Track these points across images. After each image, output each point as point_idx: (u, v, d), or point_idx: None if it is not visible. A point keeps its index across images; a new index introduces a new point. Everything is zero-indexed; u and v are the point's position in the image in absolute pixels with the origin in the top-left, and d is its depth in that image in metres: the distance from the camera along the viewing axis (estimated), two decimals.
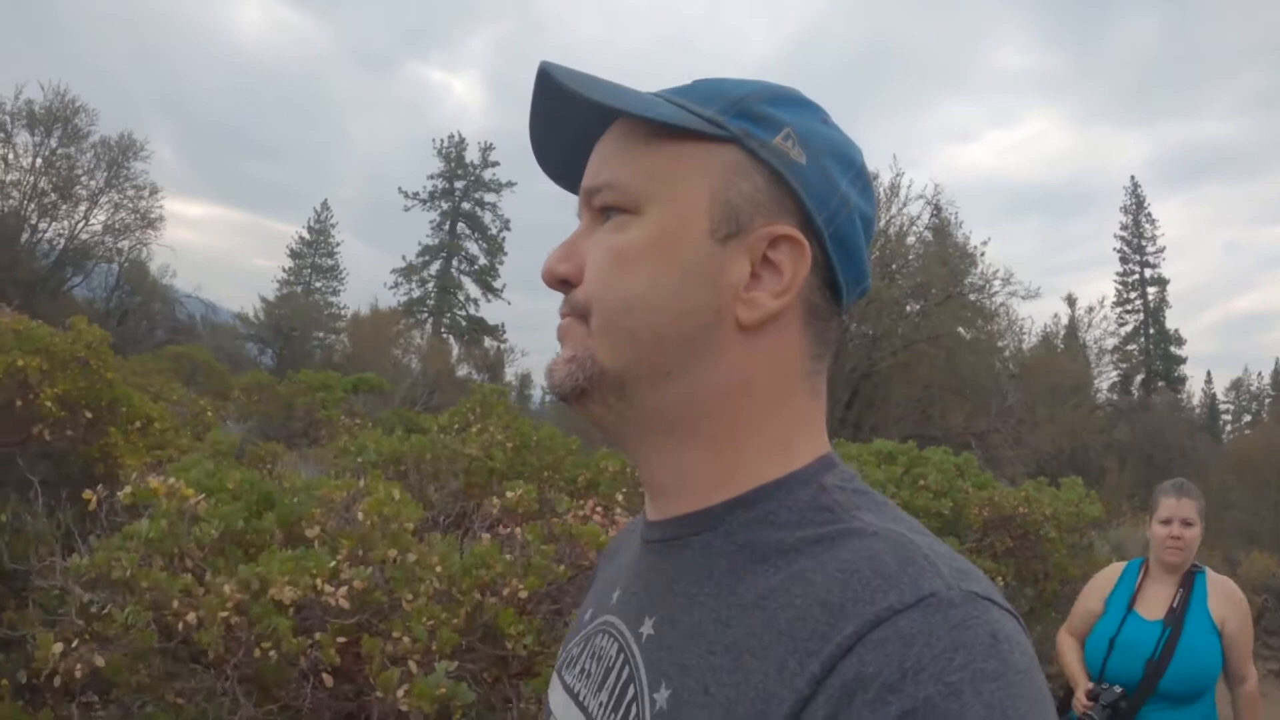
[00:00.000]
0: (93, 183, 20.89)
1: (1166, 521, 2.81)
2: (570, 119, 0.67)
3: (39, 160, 20.45)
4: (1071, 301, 32.47)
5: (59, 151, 20.41)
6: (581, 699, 0.68)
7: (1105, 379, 38.71)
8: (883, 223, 14.82)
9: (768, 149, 0.62)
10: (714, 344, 0.62)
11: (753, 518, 0.61)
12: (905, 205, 15.89)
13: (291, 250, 41.89)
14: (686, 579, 0.62)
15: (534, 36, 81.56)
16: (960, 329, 14.14)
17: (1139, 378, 45.27)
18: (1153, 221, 47.46)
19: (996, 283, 16.05)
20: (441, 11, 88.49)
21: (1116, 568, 3.05)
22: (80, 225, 20.74)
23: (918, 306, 12.82)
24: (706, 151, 0.63)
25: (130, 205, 21.10)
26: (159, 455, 4.49)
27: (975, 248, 36.22)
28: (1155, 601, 2.81)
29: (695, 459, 0.64)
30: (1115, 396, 34.69)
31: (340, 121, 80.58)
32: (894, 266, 13.08)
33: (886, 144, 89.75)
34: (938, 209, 18.27)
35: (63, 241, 20.47)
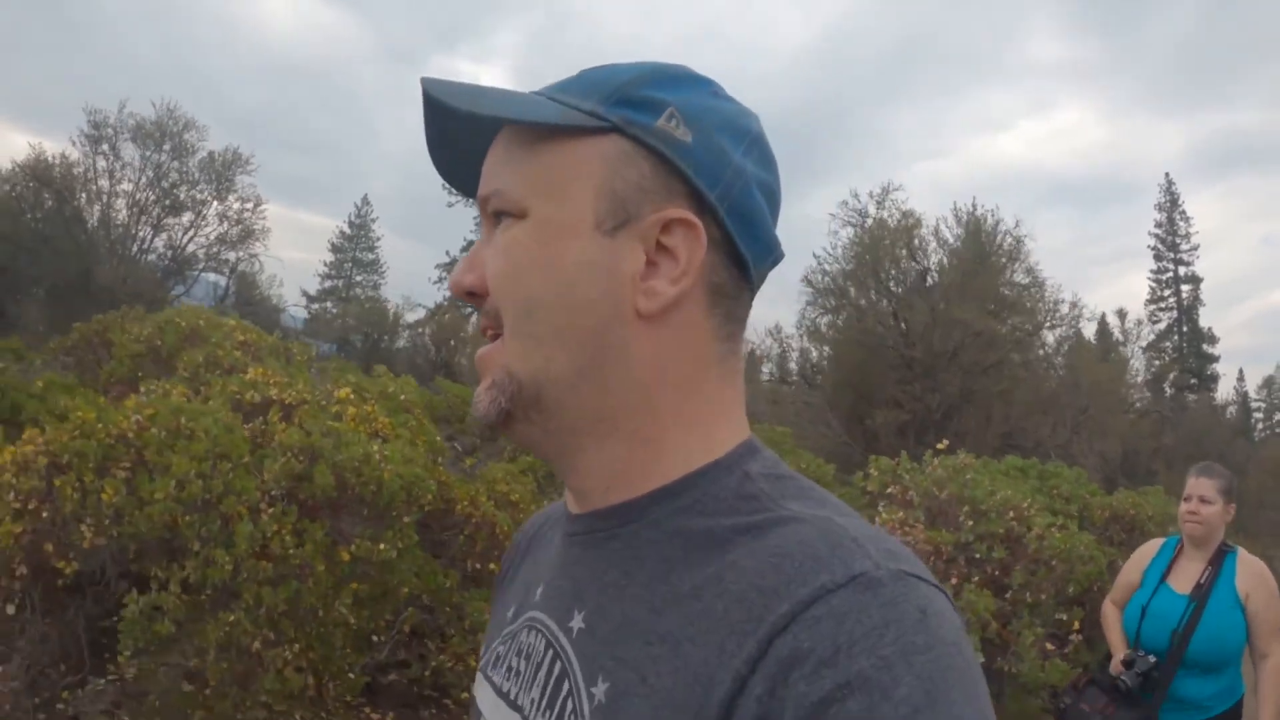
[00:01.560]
0: (198, 195, 22.75)
1: (1187, 498, 3.15)
2: (463, 132, 0.69)
3: (147, 174, 22.35)
4: (1122, 315, 34.59)
5: (167, 165, 22.28)
6: (512, 697, 0.69)
7: (1139, 375, 40.89)
8: (975, 256, 16.51)
9: (650, 133, 0.63)
10: (619, 337, 0.63)
11: (679, 507, 0.63)
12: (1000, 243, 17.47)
13: (332, 245, 43.91)
14: (615, 571, 0.64)
15: (563, 28, 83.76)
16: (1025, 339, 16.19)
17: (1171, 375, 47.23)
18: (1187, 219, 49.19)
19: (1061, 306, 18.04)
20: (469, 4, 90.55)
21: (1155, 544, 3.37)
22: (188, 237, 22.72)
23: (1006, 329, 14.94)
24: (588, 146, 0.64)
25: (234, 217, 23.00)
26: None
27: (1024, 245, 38.13)
28: (1185, 576, 3.12)
29: (620, 455, 0.65)
30: (1149, 394, 36.66)
31: (369, 115, 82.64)
32: (992, 307, 14.98)
33: (917, 134, 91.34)
34: (1018, 243, 19.63)
35: (170, 253, 22.38)
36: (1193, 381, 47.12)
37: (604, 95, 0.64)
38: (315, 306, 37.15)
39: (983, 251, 16.84)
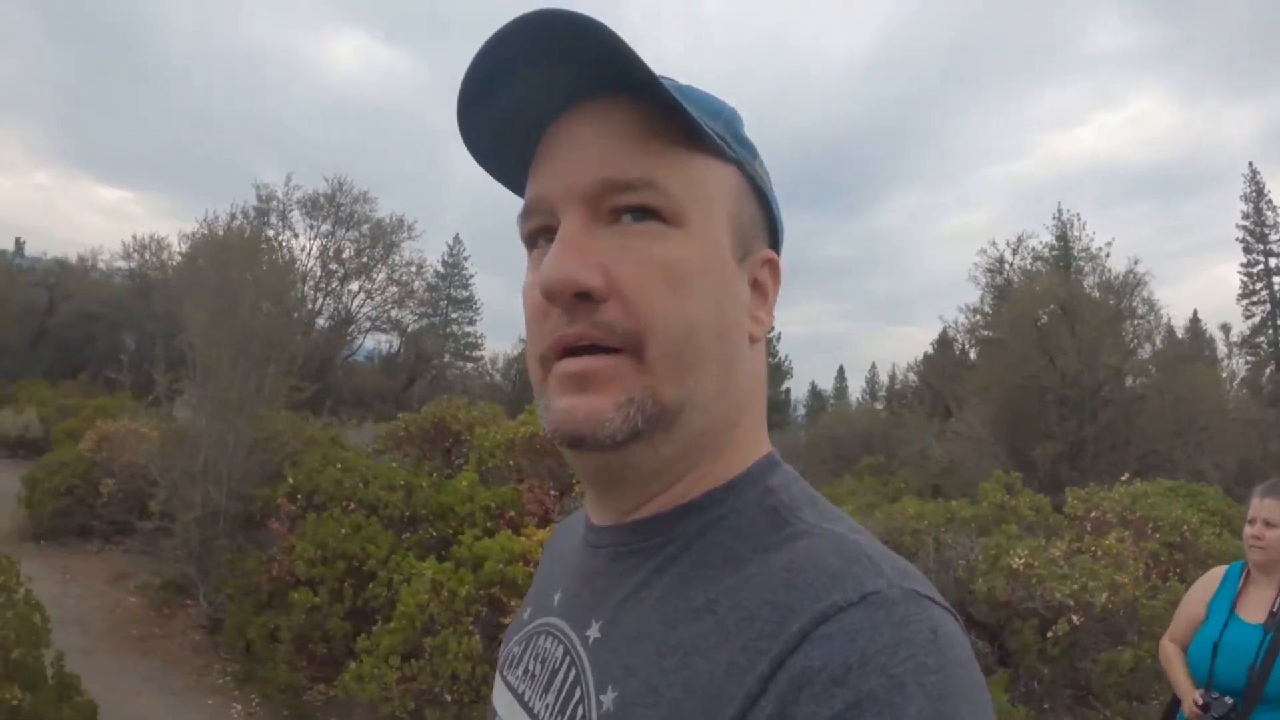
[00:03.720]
0: (366, 260, 26.16)
1: (1251, 521, 3.00)
2: (534, 87, 0.66)
3: (317, 242, 25.90)
4: (1226, 330, 37.24)
5: (337, 234, 25.77)
6: (527, 700, 0.72)
7: (1238, 376, 43.17)
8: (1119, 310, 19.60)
9: (759, 176, 0.71)
10: (740, 358, 0.69)
11: (704, 523, 0.67)
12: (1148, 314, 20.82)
13: (428, 283, 47.49)
14: (635, 583, 0.67)
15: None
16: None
17: (1268, 370, 48.94)
18: (1274, 209, 50.80)
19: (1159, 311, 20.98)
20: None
21: (1217, 572, 3.16)
22: (356, 301, 26.28)
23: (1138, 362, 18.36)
24: (722, 170, 0.68)
25: (400, 279, 26.42)
26: None
27: (1102, 249, 41.02)
28: (1257, 605, 2.93)
29: (692, 473, 0.68)
30: (1245, 392, 38.84)
31: (440, 152, 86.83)
32: (1132, 344, 18.57)
33: (986, 135, 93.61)
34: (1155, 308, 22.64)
35: (340, 314, 25.87)
36: None
37: (725, 125, 0.69)
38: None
39: (1115, 296, 19.88)
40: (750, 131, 0.73)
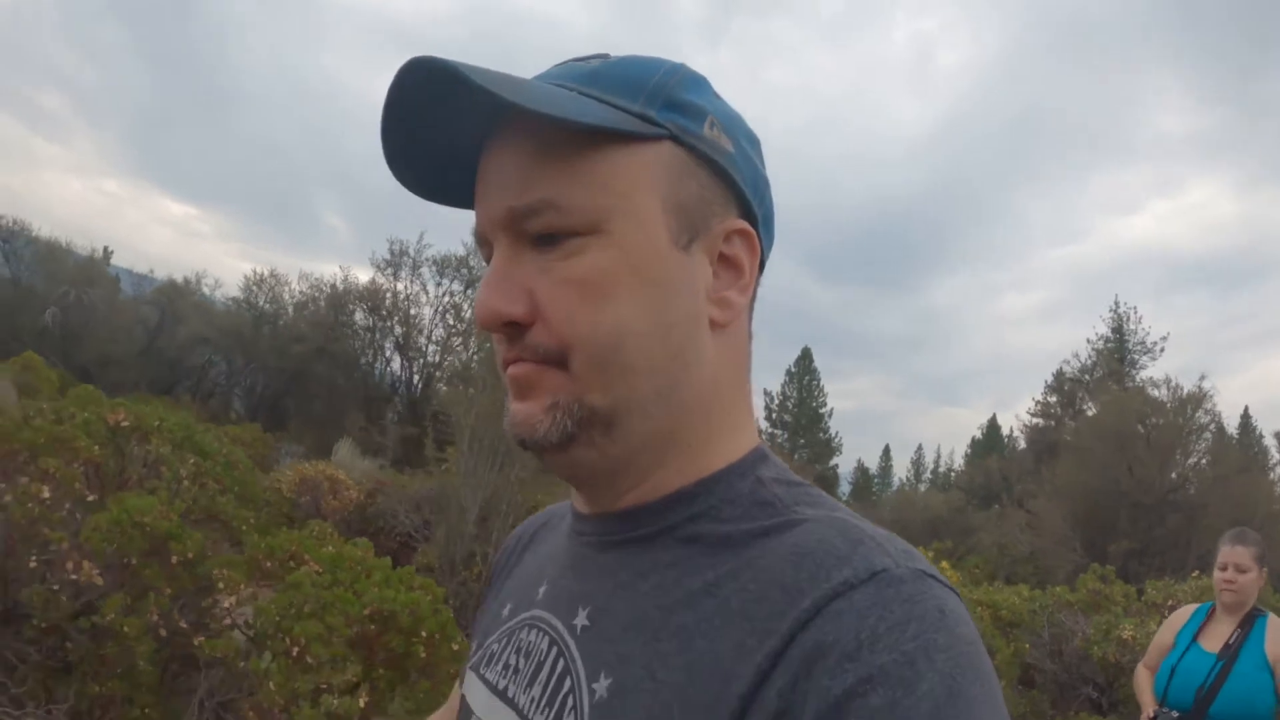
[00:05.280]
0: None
1: (1223, 567, 3.51)
2: (446, 122, 0.66)
3: (444, 301, 28.47)
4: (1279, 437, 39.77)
5: (462, 292, 28.28)
6: (510, 695, 0.72)
7: None
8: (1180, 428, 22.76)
9: (704, 142, 0.67)
10: (695, 354, 0.67)
11: (695, 512, 0.67)
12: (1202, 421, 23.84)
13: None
14: (626, 572, 0.68)
15: None
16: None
17: None
18: None
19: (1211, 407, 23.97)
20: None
21: (1189, 609, 3.78)
22: (473, 357, 28.91)
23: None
24: (647, 153, 0.65)
25: None
26: None
27: (1157, 344, 43.72)
28: (1216, 637, 3.51)
29: (662, 466, 0.69)
30: None
31: None
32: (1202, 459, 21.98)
33: (1042, 218, 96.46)
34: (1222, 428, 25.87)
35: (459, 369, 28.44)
36: None
37: (648, 97, 0.65)
38: None
39: (1183, 409, 22.84)
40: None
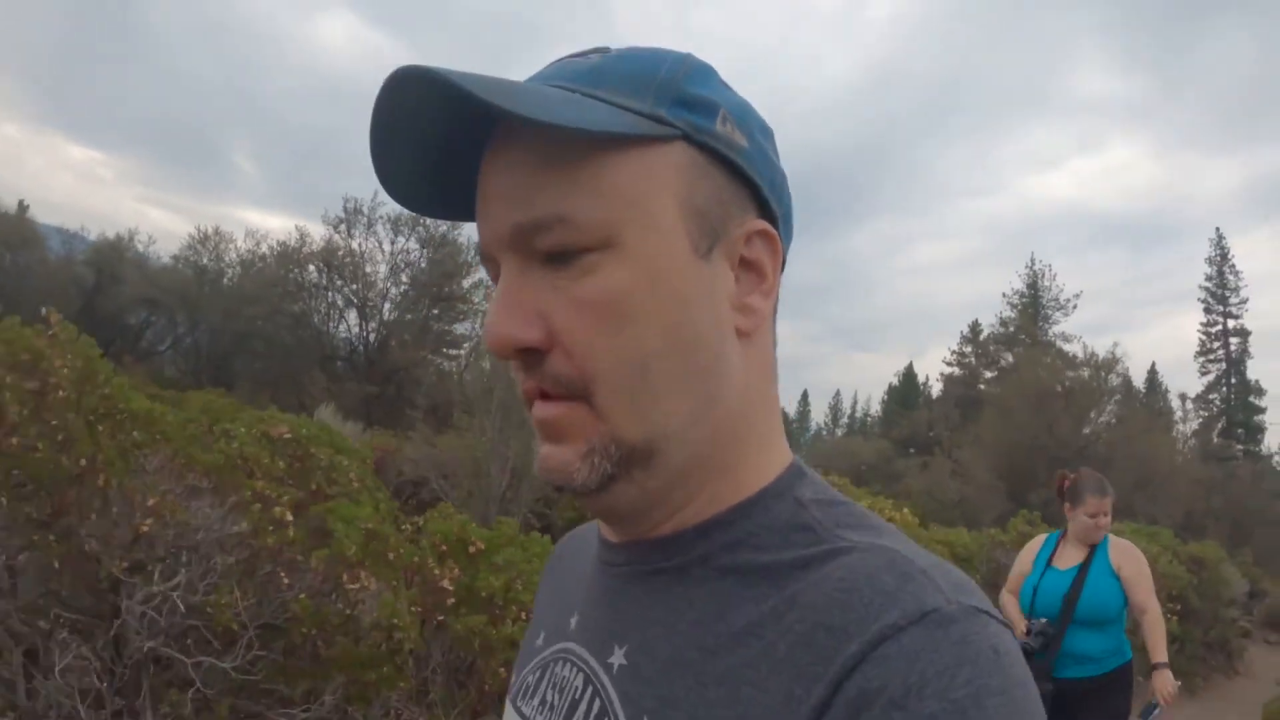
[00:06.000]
0: (438, 275, 28.75)
1: (1093, 514, 4.32)
2: (440, 135, 0.64)
3: (399, 259, 28.75)
4: (1184, 398, 43.57)
5: (419, 250, 28.60)
6: None
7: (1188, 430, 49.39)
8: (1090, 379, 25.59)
9: (718, 140, 0.63)
10: (724, 365, 0.65)
11: (731, 540, 0.65)
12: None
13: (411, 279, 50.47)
14: (662, 607, 0.65)
15: None
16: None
17: (1219, 425, 54.82)
18: (1236, 273, 56.78)
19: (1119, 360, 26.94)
20: (520, 32, 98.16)
21: (1039, 539, 4.69)
22: (435, 316, 29.27)
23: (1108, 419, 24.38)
24: (658, 156, 0.62)
25: (466, 296, 29.06)
26: None
27: (1070, 300, 47.66)
28: (1068, 559, 4.39)
29: (703, 491, 0.66)
30: (1194, 441, 44.80)
31: None
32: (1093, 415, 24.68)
33: (964, 171, 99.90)
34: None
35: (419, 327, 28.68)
36: (1240, 432, 54.88)
37: (657, 95, 0.62)
38: None
39: (1098, 373, 25.74)
40: None
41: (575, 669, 0.70)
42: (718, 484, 0.67)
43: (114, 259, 31.30)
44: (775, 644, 0.58)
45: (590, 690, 0.67)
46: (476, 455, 11.69)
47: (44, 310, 4.47)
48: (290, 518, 4.37)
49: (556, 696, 0.71)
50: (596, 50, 0.67)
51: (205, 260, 31.65)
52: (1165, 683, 4.17)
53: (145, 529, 3.80)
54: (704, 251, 0.63)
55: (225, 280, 31.33)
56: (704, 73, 0.67)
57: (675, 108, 0.63)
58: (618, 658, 0.66)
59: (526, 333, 0.61)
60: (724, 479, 0.67)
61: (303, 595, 4.09)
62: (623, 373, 0.61)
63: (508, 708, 0.80)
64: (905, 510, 11.74)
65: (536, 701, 0.74)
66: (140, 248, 32.74)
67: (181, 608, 3.64)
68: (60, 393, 3.86)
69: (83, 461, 3.77)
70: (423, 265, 29.24)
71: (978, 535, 12.78)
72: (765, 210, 0.68)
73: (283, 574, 4.16)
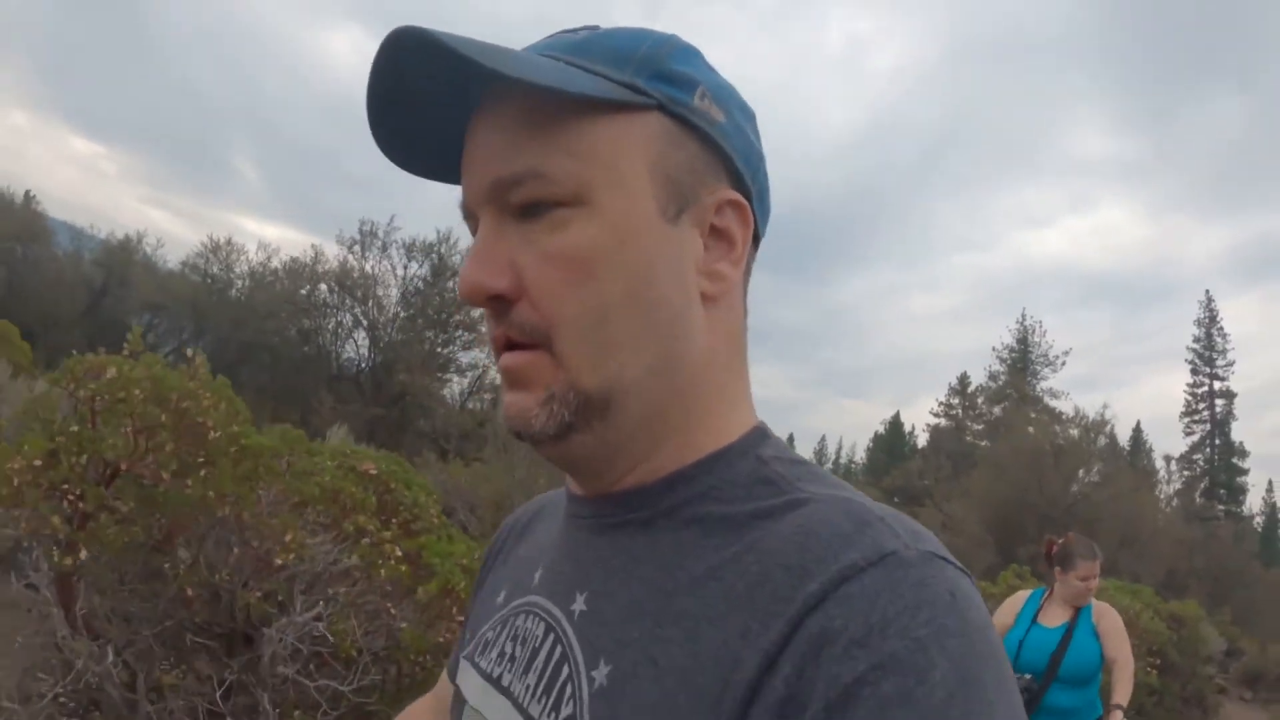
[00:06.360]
0: (448, 301, 28.79)
1: (1085, 578, 4.48)
2: (434, 95, 0.67)
3: (410, 285, 28.97)
4: (1168, 460, 44.57)
5: (438, 283, 28.63)
6: (504, 683, 0.72)
7: (1174, 485, 50.39)
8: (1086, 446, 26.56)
9: (694, 112, 0.67)
10: (686, 328, 0.67)
11: (694, 494, 0.67)
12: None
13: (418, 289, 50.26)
14: (624, 555, 0.68)
15: None
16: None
17: (1202, 485, 55.63)
18: (1224, 335, 57.85)
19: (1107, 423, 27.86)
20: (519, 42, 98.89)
21: (1023, 595, 4.79)
22: (441, 342, 29.50)
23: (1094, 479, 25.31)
24: (633, 123, 0.65)
25: (474, 325, 28.80)
26: None
27: (1059, 358, 48.80)
28: (1055, 617, 4.52)
29: (658, 446, 0.69)
30: (1176, 501, 45.65)
31: None
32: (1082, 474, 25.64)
33: (955, 225, 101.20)
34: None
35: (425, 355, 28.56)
36: (1222, 493, 55.73)
37: (637, 67, 0.66)
38: None
39: (1088, 434, 26.67)
40: None
41: (537, 619, 0.72)
42: (679, 439, 0.69)
43: (124, 260, 31.35)
44: (733, 585, 0.59)
45: (551, 637, 0.69)
46: (505, 488, 12.04)
47: (189, 351, 4.84)
48: (400, 553, 4.74)
49: (517, 648, 0.73)
50: (587, 27, 0.70)
51: (215, 269, 31.79)
52: None
53: (280, 562, 4.25)
54: (671, 215, 0.66)
55: (234, 291, 31.51)
56: (687, 53, 0.70)
57: (653, 80, 0.66)
58: (579, 604, 0.68)
59: (496, 281, 0.65)
60: (685, 435, 0.69)
61: (405, 624, 4.46)
62: (583, 322, 0.64)
63: (462, 664, 0.82)
64: None
65: (494, 654, 0.76)
66: (149, 250, 32.99)
67: (316, 635, 4.14)
68: (213, 434, 4.33)
69: (224, 497, 4.20)
70: (434, 291, 29.49)
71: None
72: (739, 183, 0.70)
73: (390, 606, 4.55)
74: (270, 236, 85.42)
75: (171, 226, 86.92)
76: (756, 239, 0.73)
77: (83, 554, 3.87)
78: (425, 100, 0.68)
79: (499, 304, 0.66)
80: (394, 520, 5.77)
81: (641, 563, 0.66)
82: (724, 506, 0.66)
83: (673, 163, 0.67)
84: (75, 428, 3.99)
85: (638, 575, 0.66)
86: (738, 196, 0.70)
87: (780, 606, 0.56)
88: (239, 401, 4.74)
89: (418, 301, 29.79)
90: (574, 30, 0.70)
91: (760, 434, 0.72)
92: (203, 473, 4.18)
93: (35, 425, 4.29)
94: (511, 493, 11.92)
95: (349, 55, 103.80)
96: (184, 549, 4.39)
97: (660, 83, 0.67)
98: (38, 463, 3.87)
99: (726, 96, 0.71)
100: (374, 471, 6.03)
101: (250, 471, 4.51)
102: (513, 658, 0.73)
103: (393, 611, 4.63)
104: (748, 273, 0.74)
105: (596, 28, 0.70)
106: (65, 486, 3.92)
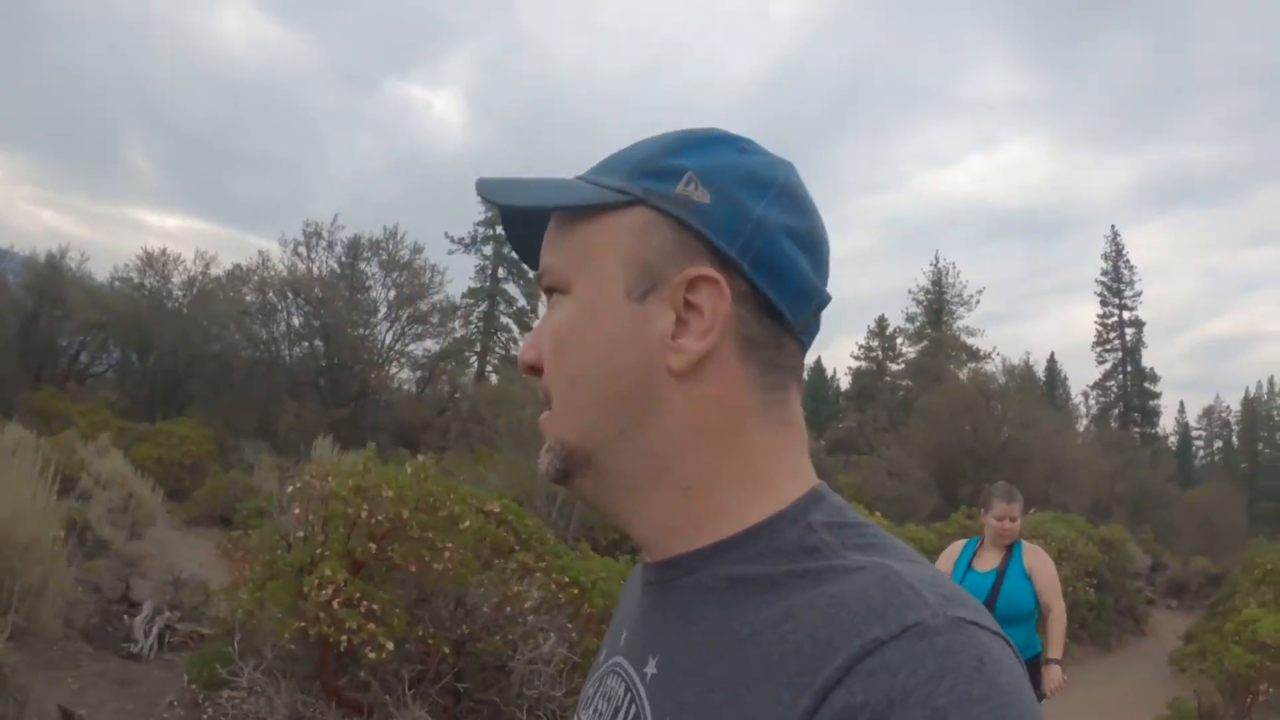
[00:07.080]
0: (392, 295, 29.86)
1: (1000, 518, 4.79)
2: (521, 218, 0.84)
3: (353, 282, 29.46)
4: (1086, 397, 47.46)
5: (389, 278, 29.29)
6: None
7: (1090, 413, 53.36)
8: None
9: (668, 200, 0.72)
10: (653, 397, 0.72)
11: (740, 559, 0.70)
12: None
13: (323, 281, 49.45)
14: (682, 618, 0.72)
15: (514, 55, 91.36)
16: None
17: (1117, 410, 58.78)
18: (1131, 267, 60.60)
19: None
20: (423, 28, 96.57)
21: (959, 544, 5.11)
22: (391, 333, 30.26)
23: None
24: (616, 220, 0.74)
25: (424, 317, 30.40)
26: None
27: (973, 296, 51.35)
28: (986, 562, 4.86)
29: (670, 508, 0.74)
30: (1094, 428, 48.42)
31: (319, 137, 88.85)
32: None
33: (861, 167, 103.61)
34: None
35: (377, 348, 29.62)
36: (1137, 416, 58.85)
37: (629, 170, 0.75)
38: None
39: (1016, 381, 29.26)
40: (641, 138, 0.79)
41: (620, 679, 0.78)
42: (694, 504, 0.73)
43: (52, 279, 29.30)
44: (771, 651, 0.62)
45: (629, 698, 0.74)
46: (525, 489, 12.78)
47: (419, 457, 5.85)
48: (567, 579, 5.69)
49: (605, 705, 0.79)
50: (642, 141, 0.79)
51: (150, 280, 30.84)
52: (1053, 677, 4.78)
53: (509, 609, 5.50)
54: (638, 296, 0.72)
55: (171, 303, 30.71)
56: (696, 144, 0.75)
57: (640, 179, 0.74)
58: (650, 667, 0.73)
59: (528, 354, 0.79)
60: (695, 500, 0.73)
61: (575, 636, 5.63)
62: (560, 388, 0.76)
63: (575, 716, 0.88)
64: (878, 514, 13.93)
65: (591, 710, 0.81)
66: (73, 264, 30.52)
67: (553, 661, 5.39)
68: (464, 525, 5.51)
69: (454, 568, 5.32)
70: (387, 288, 29.84)
71: (928, 530, 14.93)
72: (724, 260, 0.71)
73: (569, 624, 5.69)
74: (172, 228, 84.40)
75: (63, 227, 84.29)
76: (779, 314, 0.73)
77: (389, 646, 4.83)
78: (519, 217, 0.85)
79: (535, 373, 0.79)
80: (530, 552, 6.57)
81: (694, 625, 0.70)
82: (766, 568, 0.68)
83: (647, 248, 0.72)
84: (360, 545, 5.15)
85: (692, 639, 0.70)
86: (709, 272, 0.71)
87: (809, 678, 0.58)
88: (453, 484, 5.94)
89: (367, 299, 30.27)
90: (638, 143, 0.79)
91: (813, 498, 0.73)
92: (446, 554, 5.28)
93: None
94: (534, 491, 12.77)
95: (241, 33, 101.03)
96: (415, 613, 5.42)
97: (646, 179, 0.73)
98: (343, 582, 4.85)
99: (725, 177, 0.73)
100: (497, 510, 6.76)
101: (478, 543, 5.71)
102: (601, 714, 0.78)
103: (569, 626, 5.73)
104: (760, 344, 0.73)
105: (711, 130, 0.78)
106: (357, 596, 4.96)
